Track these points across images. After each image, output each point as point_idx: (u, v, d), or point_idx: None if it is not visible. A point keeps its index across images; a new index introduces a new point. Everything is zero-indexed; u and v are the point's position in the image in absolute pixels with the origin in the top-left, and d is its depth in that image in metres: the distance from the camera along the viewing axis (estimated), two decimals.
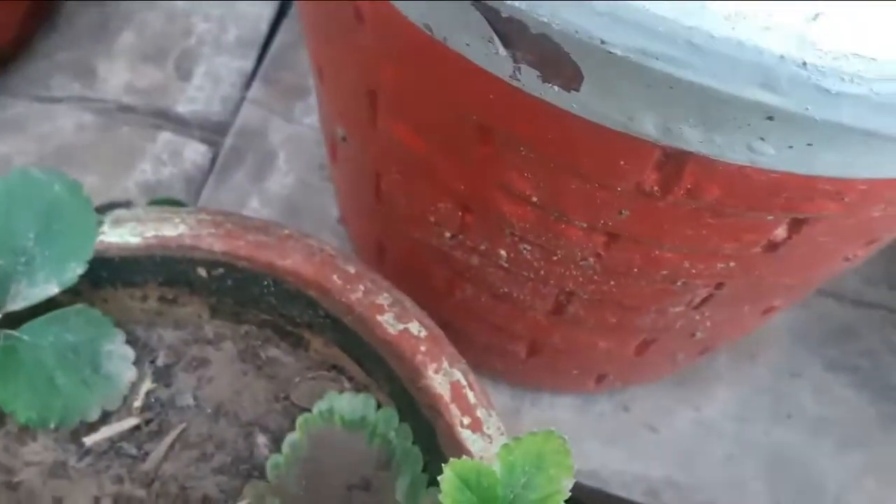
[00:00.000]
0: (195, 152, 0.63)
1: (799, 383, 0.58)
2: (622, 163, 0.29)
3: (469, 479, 0.32)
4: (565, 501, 0.33)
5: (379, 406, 0.43)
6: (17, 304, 0.41)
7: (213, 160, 0.62)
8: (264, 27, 0.69)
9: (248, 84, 0.65)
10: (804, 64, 0.18)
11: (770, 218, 0.30)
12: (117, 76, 0.66)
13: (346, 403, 0.43)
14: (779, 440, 0.56)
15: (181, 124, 0.64)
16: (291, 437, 0.42)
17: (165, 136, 0.63)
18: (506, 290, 0.43)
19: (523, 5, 0.20)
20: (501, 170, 0.33)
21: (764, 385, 0.58)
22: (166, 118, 0.64)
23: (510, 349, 0.49)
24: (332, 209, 0.60)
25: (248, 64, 0.66)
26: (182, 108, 0.65)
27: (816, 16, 0.18)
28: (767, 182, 0.28)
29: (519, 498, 0.32)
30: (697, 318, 0.42)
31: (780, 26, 0.18)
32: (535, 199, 0.33)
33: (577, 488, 0.55)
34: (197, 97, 0.65)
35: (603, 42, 0.19)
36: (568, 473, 0.34)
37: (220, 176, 0.61)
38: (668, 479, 0.54)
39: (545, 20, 0.20)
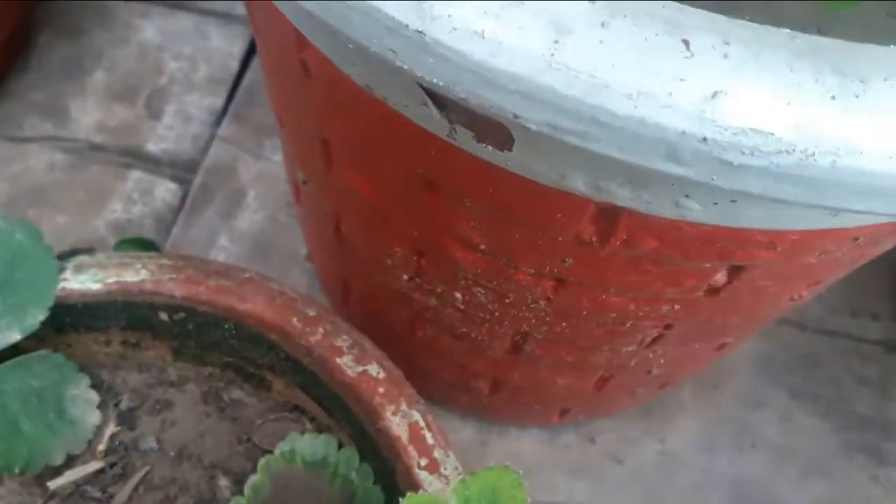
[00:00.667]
0: (165, 191, 0.63)
1: (763, 412, 0.59)
2: (559, 215, 0.29)
3: None
4: None
5: (340, 446, 0.43)
6: None
7: (184, 198, 0.63)
8: (235, 65, 0.69)
9: (218, 122, 0.66)
10: (704, 139, 0.19)
11: (708, 265, 0.31)
12: (88, 115, 0.66)
13: (308, 444, 0.43)
14: (743, 470, 0.57)
15: (152, 163, 0.65)
16: (253, 479, 0.42)
17: (136, 175, 0.64)
18: (464, 330, 0.44)
19: (441, 82, 0.21)
20: (450, 219, 0.34)
21: (728, 415, 0.59)
22: (137, 157, 0.65)
23: (473, 386, 0.50)
24: (300, 246, 0.61)
25: (219, 101, 0.67)
26: (153, 147, 0.65)
27: (715, 94, 0.19)
28: (700, 234, 0.28)
29: None
30: (651, 355, 0.42)
31: (681, 104, 0.19)
32: (483, 246, 0.34)
33: None
34: (167, 136, 0.66)
35: (516, 117, 0.20)
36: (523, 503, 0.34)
37: (189, 214, 0.62)
38: None
39: (463, 96, 0.21)
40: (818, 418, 0.59)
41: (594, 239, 0.30)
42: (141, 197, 0.63)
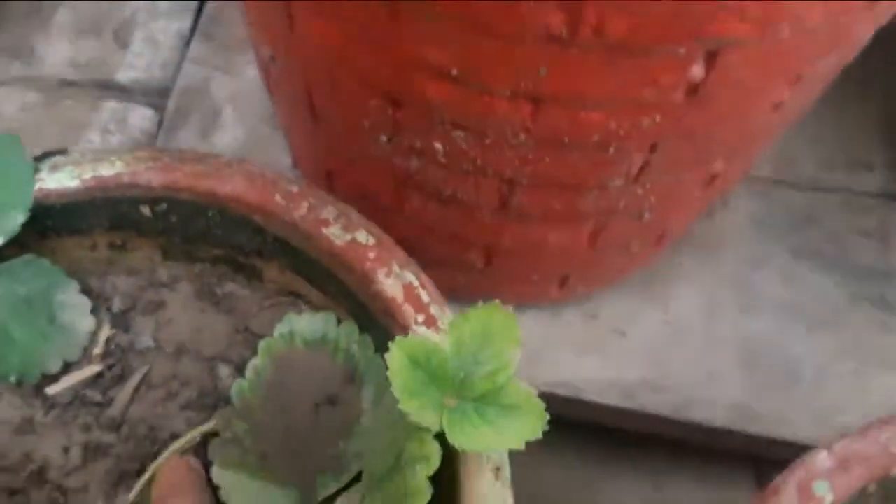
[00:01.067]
0: (141, 117, 0.62)
1: (764, 273, 0.58)
2: (525, 9, 0.29)
3: (418, 358, 0.32)
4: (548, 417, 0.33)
5: (339, 323, 0.43)
6: None
7: (160, 123, 0.62)
8: None
9: (187, 44, 0.65)
10: None
11: (682, 51, 0.30)
12: (57, 53, 0.65)
13: (306, 324, 0.43)
14: (749, 330, 0.56)
15: (124, 92, 0.64)
16: (254, 362, 0.42)
17: (110, 106, 0.63)
18: (450, 191, 0.43)
19: None
20: (416, 44, 0.33)
21: (729, 277, 0.58)
22: (109, 88, 0.64)
23: (466, 260, 0.49)
24: (284, 157, 0.60)
25: (186, 24, 0.66)
26: (123, 77, 0.64)
27: None
28: (668, 9, 0.28)
29: (470, 374, 0.32)
30: (640, 192, 0.42)
31: None
32: (454, 72, 0.33)
33: (552, 399, 0.55)
34: (137, 64, 0.65)
35: None
36: (515, 345, 0.34)
37: (167, 137, 0.61)
38: (642, 380, 0.54)
39: None
40: (821, 273, 0.58)
41: (564, 31, 0.29)
42: (117, 126, 0.62)
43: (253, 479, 0.38)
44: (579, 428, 0.64)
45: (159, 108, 0.63)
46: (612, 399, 0.53)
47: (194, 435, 0.42)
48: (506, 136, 0.37)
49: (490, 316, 0.34)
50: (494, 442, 0.31)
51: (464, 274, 0.51)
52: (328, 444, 0.41)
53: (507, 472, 0.37)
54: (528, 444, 0.69)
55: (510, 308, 0.34)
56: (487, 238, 0.46)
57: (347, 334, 0.42)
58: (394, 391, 0.32)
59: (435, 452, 0.32)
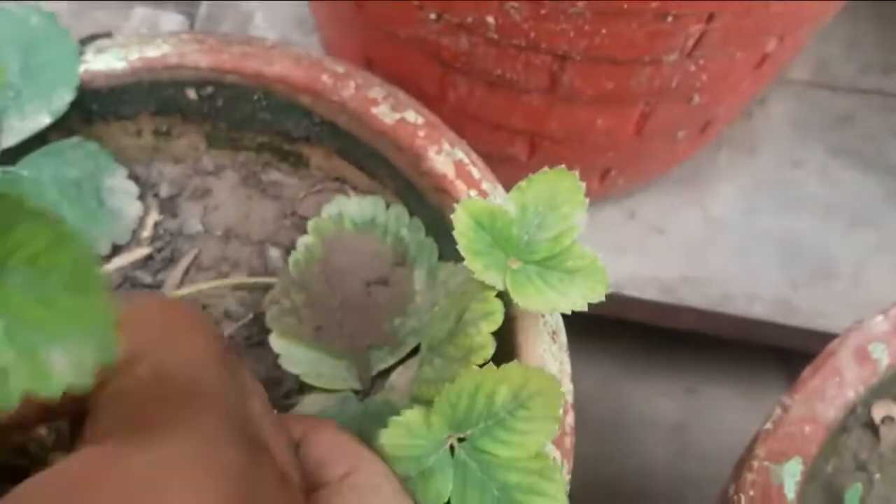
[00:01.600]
0: (172, 22, 0.62)
1: (802, 171, 0.58)
2: None
3: (482, 220, 0.32)
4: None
5: (388, 206, 0.43)
6: (11, 140, 0.41)
7: (191, 28, 0.62)
8: None
9: None
10: None
11: None
12: None
13: (355, 206, 0.43)
14: (788, 227, 0.56)
15: None
16: (305, 239, 0.42)
17: (140, 12, 0.63)
18: (498, 72, 0.43)
19: None
20: None
21: (768, 176, 0.58)
22: None
23: (510, 152, 0.49)
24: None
25: None
26: None
27: None
28: None
29: (533, 238, 0.32)
30: (693, 69, 0.41)
31: None
32: None
33: None
34: None
35: None
36: (581, 208, 0.34)
37: None
38: (681, 276, 0.54)
39: None
40: (859, 171, 0.58)
41: None
42: (149, 32, 0.62)
43: (310, 350, 0.39)
44: (615, 332, 0.65)
45: (190, 15, 0.63)
46: (651, 294, 0.54)
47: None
48: (562, 6, 0.37)
49: (556, 180, 0.34)
50: (557, 303, 0.31)
51: (506, 168, 0.51)
52: (382, 321, 0.41)
53: (563, 337, 0.37)
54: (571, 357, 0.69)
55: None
56: (534, 125, 0.46)
57: (397, 218, 0.42)
58: (460, 250, 0.32)
59: (499, 308, 0.33)
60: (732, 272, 0.54)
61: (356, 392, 0.39)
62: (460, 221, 0.33)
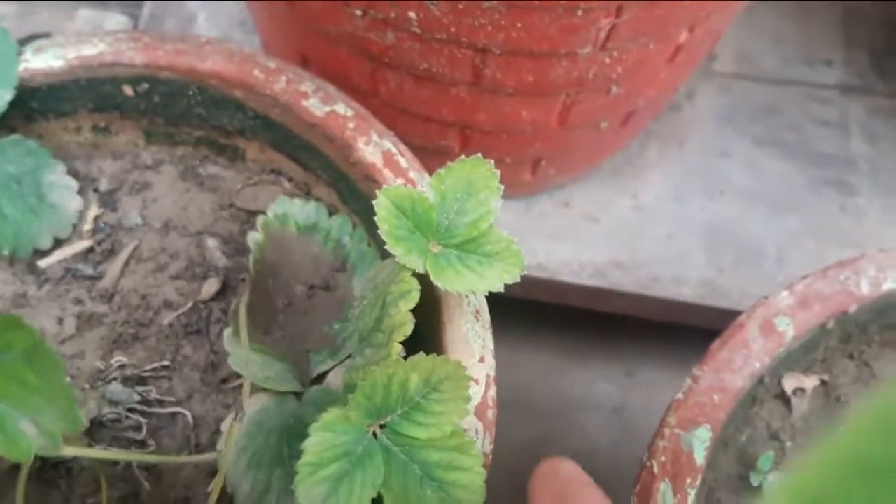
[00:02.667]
0: (116, 24, 0.63)
1: (728, 161, 0.60)
2: None
3: (403, 206, 0.34)
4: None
5: (331, 214, 0.44)
6: None
7: (135, 28, 0.63)
8: None
9: None
10: None
11: None
12: None
13: (300, 210, 0.44)
14: (715, 214, 0.58)
15: (99, 0, 0.65)
16: (255, 236, 0.43)
17: (84, 14, 0.64)
18: (425, 66, 0.45)
19: None
20: None
21: (695, 166, 0.60)
22: None
23: (443, 145, 0.51)
24: None
25: None
26: None
27: None
28: None
29: (453, 223, 0.34)
30: (608, 61, 0.43)
31: None
32: None
33: (529, 282, 0.57)
34: None
35: None
36: (496, 194, 0.35)
37: None
38: (613, 261, 0.56)
39: None
40: (783, 160, 0.61)
41: None
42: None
43: (255, 352, 0.40)
44: (556, 320, 0.67)
45: (134, 16, 0.64)
46: (585, 279, 0.56)
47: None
48: (480, 3, 0.39)
49: (473, 168, 0.35)
50: (476, 284, 0.33)
51: (441, 160, 0.52)
52: (322, 325, 0.43)
53: (486, 316, 0.39)
54: (508, 338, 0.71)
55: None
56: (463, 117, 0.48)
57: (339, 226, 0.44)
58: (381, 235, 0.33)
59: (414, 287, 0.34)
60: (661, 257, 0.56)
61: (297, 394, 0.40)
62: (381, 207, 0.34)
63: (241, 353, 0.40)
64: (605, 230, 0.58)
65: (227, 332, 0.41)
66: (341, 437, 0.31)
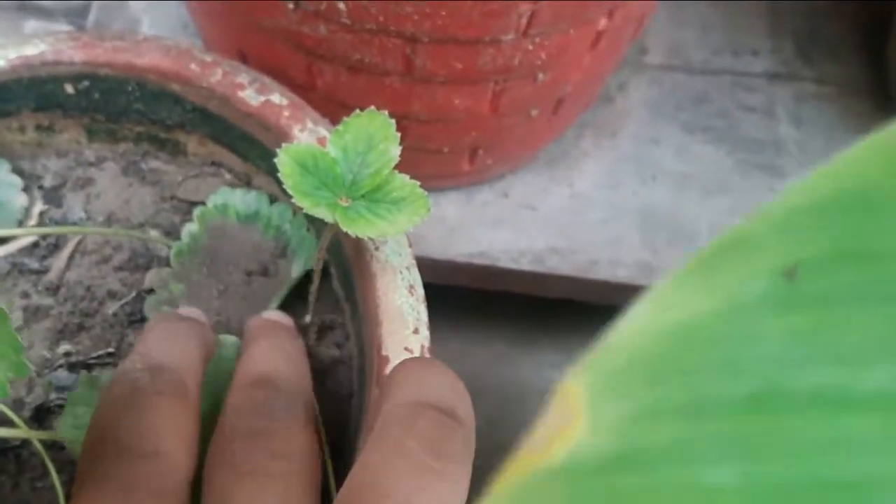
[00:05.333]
0: None
1: (660, 148, 0.63)
2: None
3: (306, 163, 0.35)
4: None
5: (272, 202, 0.46)
6: None
7: None
8: None
9: None
10: None
11: None
12: None
13: (240, 199, 0.46)
14: (647, 199, 0.61)
15: (44, 12, 0.66)
16: (190, 227, 0.45)
17: (32, 25, 0.65)
18: (358, 57, 0.46)
19: None
20: None
21: (628, 154, 0.62)
22: (28, 10, 0.66)
23: None
24: None
25: None
26: None
27: None
28: None
29: (358, 175, 0.36)
30: (531, 47, 0.45)
31: None
32: None
33: (471, 269, 0.59)
34: None
35: None
36: (395, 142, 0.36)
37: None
38: (550, 247, 0.58)
39: None
40: (712, 145, 0.63)
41: None
42: None
43: None
44: (501, 310, 0.69)
45: (80, 26, 0.65)
46: (525, 265, 0.57)
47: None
48: None
49: (369, 122, 0.37)
50: (386, 229, 0.35)
51: None
52: (261, 307, 0.44)
53: (420, 290, 0.41)
54: (459, 330, 0.73)
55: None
56: (398, 107, 0.50)
57: (280, 213, 0.46)
58: (287, 190, 0.35)
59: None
60: (597, 241, 0.58)
61: None
62: (283, 164, 0.36)
63: None
64: (542, 218, 0.60)
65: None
66: None
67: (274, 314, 0.43)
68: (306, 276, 0.45)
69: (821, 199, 0.14)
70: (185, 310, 0.42)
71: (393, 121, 0.36)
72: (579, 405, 0.14)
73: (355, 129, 0.36)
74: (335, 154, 0.35)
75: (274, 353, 0.39)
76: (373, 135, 0.36)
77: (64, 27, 0.65)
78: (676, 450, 0.14)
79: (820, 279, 0.13)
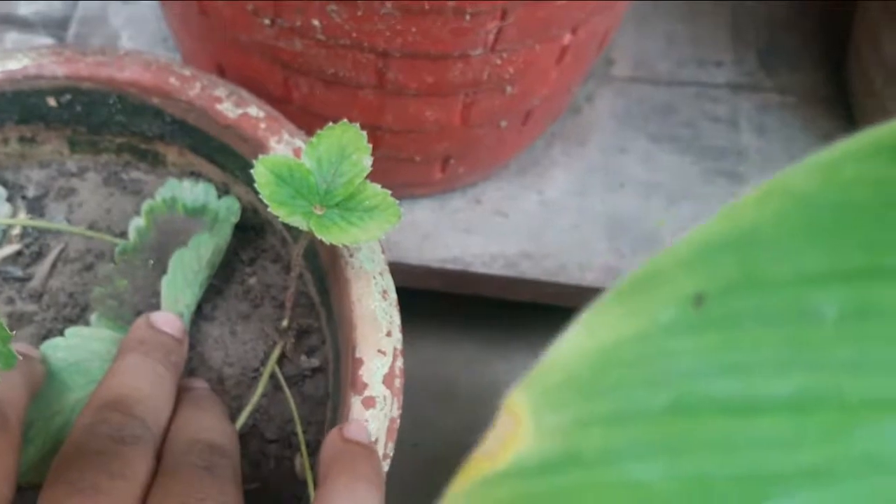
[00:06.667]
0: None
1: (627, 157, 0.65)
2: None
3: (281, 173, 0.37)
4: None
5: (220, 196, 0.47)
6: None
7: None
8: None
9: None
10: None
11: None
12: None
13: (188, 192, 0.47)
14: (615, 206, 0.63)
15: (26, 25, 0.67)
16: (137, 223, 0.46)
17: (12, 37, 0.66)
18: (332, 71, 0.48)
19: None
20: None
21: (597, 163, 0.64)
22: (10, 22, 0.67)
23: None
24: None
25: None
26: (25, 10, 0.68)
27: None
28: None
29: (331, 185, 0.37)
30: (499, 62, 0.47)
31: None
32: None
33: (444, 273, 0.60)
34: None
35: None
36: (366, 153, 0.38)
37: None
38: (522, 252, 0.60)
39: None
40: (678, 154, 0.65)
41: None
42: None
43: (120, 332, 0.43)
44: (474, 314, 0.70)
45: (60, 38, 0.67)
46: (496, 269, 0.59)
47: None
48: (374, 7, 0.42)
49: (342, 133, 0.38)
50: (359, 236, 0.36)
51: None
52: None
53: (393, 295, 0.42)
54: (430, 334, 0.74)
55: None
56: (372, 119, 0.52)
57: (228, 207, 0.47)
58: (264, 200, 0.36)
59: None
60: (567, 246, 0.60)
61: None
62: (260, 175, 0.37)
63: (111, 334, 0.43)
64: (513, 224, 0.62)
65: (94, 315, 0.44)
66: None
67: (161, 316, 0.43)
68: (285, 286, 0.47)
69: (720, 237, 0.16)
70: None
71: (364, 133, 0.37)
72: (523, 416, 0.17)
73: (329, 141, 0.37)
74: (310, 164, 0.37)
75: (139, 373, 0.39)
76: (345, 146, 0.37)
77: (44, 39, 0.66)
78: (607, 452, 0.16)
79: (723, 305, 0.16)
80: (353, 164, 0.37)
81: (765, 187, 0.16)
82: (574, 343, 0.17)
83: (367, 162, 0.37)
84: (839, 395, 0.16)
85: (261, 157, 0.36)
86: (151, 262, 0.45)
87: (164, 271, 0.44)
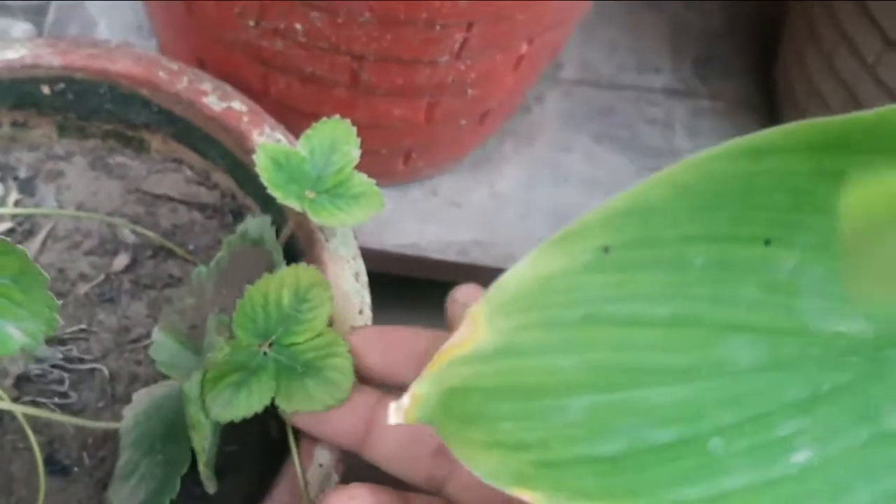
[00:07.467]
0: (22, 31, 0.68)
1: (571, 155, 0.70)
2: None
3: (279, 159, 0.42)
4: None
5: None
6: None
7: (39, 34, 0.68)
8: None
9: None
10: None
11: None
12: None
13: (253, 225, 0.51)
14: (559, 199, 0.68)
15: (5, 10, 0.70)
16: (219, 256, 0.48)
17: None
18: (310, 70, 0.52)
19: None
20: None
21: (543, 160, 0.70)
22: None
23: None
24: None
25: None
26: None
27: None
28: None
29: (323, 173, 0.42)
30: (463, 68, 0.52)
31: None
32: None
33: (402, 258, 0.65)
34: None
35: None
36: (355, 146, 0.43)
37: None
38: (474, 240, 0.65)
39: None
40: (617, 153, 0.71)
41: None
42: (1, 39, 0.68)
43: (177, 343, 0.46)
44: (432, 302, 0.75)
45: (39, 24, 0.69)
46: (449, 256, 0.64)
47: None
48: (354, 17, 0.47)
49: (334, 128, 0.43)
50: (346, 220, 0.41)
51: None
52: None
53: (364, 277, 0.47)
54: (386, 315, 0.79)
55: None
56: (343, 114, 0.55)
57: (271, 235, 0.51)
58: (263, 181, 0.41)
59: None
60: (515, 236, 0.66)
61: None
62: (260, 160, 0.42)
63: (164, 341, 0.46)
64: (467, 214, 0.67)
65: (157, 327, 0.46)
66: (236, 356, 0.38)
67: None
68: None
69: (625, 209, 0.25)
70: None
71: (354, 128, 0.42)
72: (481, 321, 0.25)
73: (322, 133, 0.42)
74: (304, 153, 0.42)
75: None
76: (337, 139, 0.42)
77: (24, 25, 0.69)
78: (538, 346, 0.25)
79: (624, 254, 0.25)
80: (343, 154, 0.42)
81: (656, 177, 0.25)
82: (520, 273, 0.25)
83: (356, 153, 0.42)
84: (701, 318, 0.24)
85: (262, 144, 0.41)
86: (218, 285, 0.48)
87: (227, 289, 0.47)
